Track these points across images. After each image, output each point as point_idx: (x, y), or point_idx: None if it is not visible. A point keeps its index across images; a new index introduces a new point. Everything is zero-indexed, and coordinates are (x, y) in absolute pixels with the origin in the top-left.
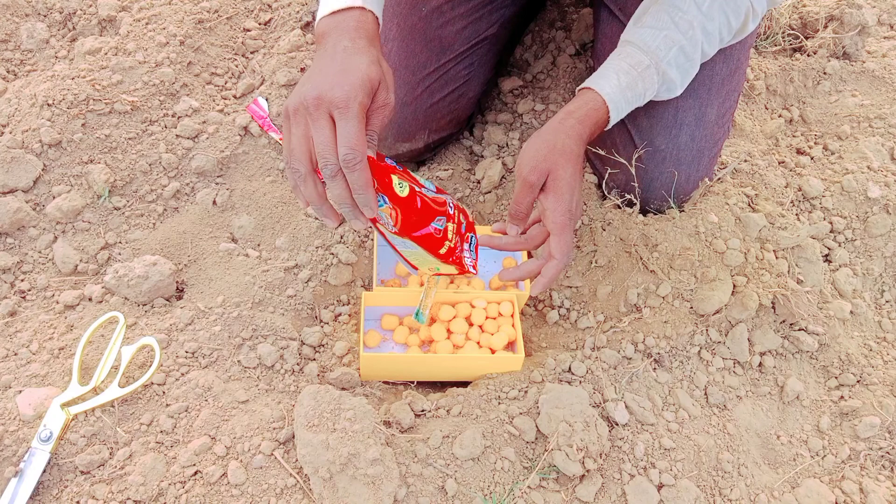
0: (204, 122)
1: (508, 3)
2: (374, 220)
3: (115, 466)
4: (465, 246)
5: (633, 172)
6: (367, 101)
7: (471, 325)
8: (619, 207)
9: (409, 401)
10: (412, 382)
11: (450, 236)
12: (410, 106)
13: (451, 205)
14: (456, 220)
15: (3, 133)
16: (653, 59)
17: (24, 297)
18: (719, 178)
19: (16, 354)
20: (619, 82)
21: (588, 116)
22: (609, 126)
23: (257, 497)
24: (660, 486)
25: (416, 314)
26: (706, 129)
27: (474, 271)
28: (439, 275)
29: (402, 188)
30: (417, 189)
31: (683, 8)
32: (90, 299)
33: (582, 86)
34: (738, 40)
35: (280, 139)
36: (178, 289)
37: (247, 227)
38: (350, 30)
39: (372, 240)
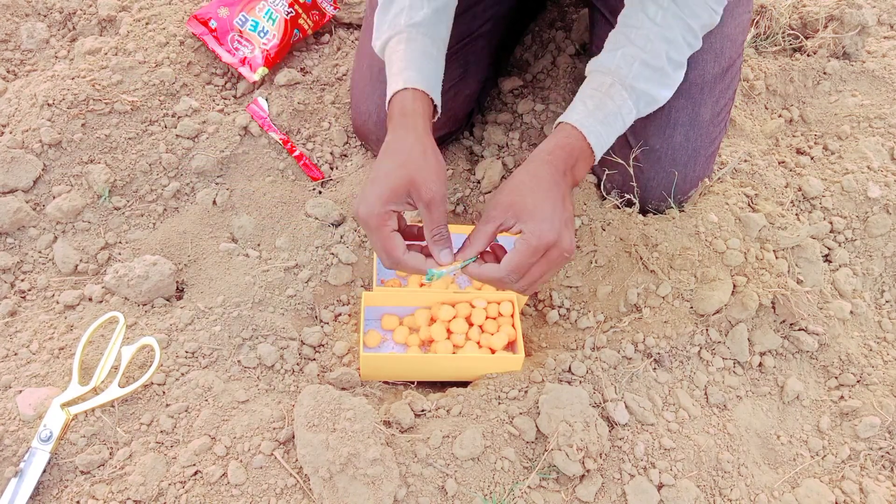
0: (204, 122)
1: (501, 0)
2: None
3: (115, 466)
4: None
5: (631, 173)
6: (393, 206)
7: (471, 325)
8: (619, 207)
9: (409, 401)
10: (412, 382)
11: None
12: None
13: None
14: None
15: (3, 133)
16: (615, 76)
17: (24, 297)
18: (719, 178)
19: (16, 354)
20: (586, 106)
21: (559, 146)
22: (597, 155)
23: (257, 497)
24: (660, 486)
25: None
26: (701, 128)
27: None
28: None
29: None
30: None
31: (636, 25)
32: (90, 299)
33: (556, 122)
34: (718, 30)
35: (280, 139)
36: (178, 289)
37: (247, 227)
38: (394, 119)
39: None
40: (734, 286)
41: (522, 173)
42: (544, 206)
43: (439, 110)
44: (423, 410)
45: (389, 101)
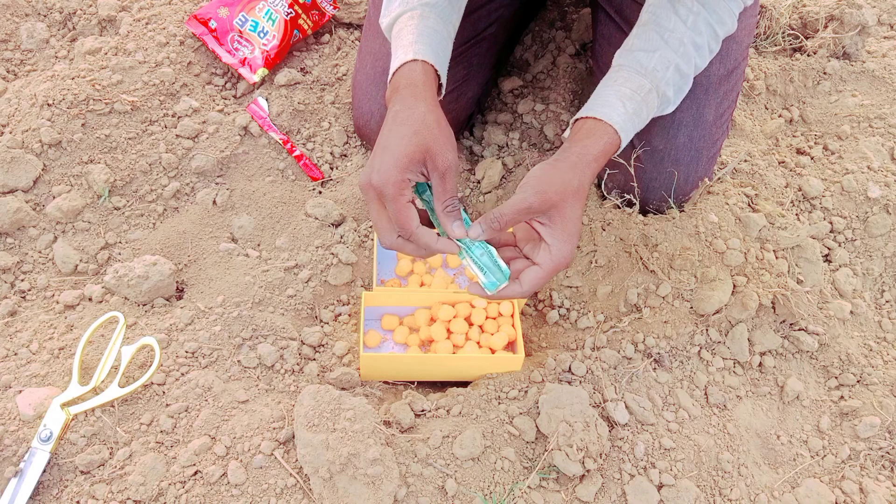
0: (204, 122)
1: (507, 3)
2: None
3: (115, 466)
4: None
5: (633, 173)
6: (409, 174)
7: (471, 325)
8: (619, 207)
9: (409, 401)
10: (412, 382)
11: None
12: None
13: None
14: None
15: (3, 133)
16: (653, 81)
17: (24, 297)
18: (719, 178)
19: (16, 354)
20: (626, 109)
21: (604, 154)
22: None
23: (257, 497)
24: (660, 486)
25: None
26: (704, 129)
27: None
28: None
29: None
30: None
31: (670, 27)
32: (90, 299)
33: (586, 114)
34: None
35: (280, 139)
36: (178, 289)
37: (247, 227)
38: (402, 89)
39: (372, 240)
40: (734, 286)
41: (570, 173)
42: (576, 224)
43: (443, 91)
44: (423, 410)
45: (394, 73)
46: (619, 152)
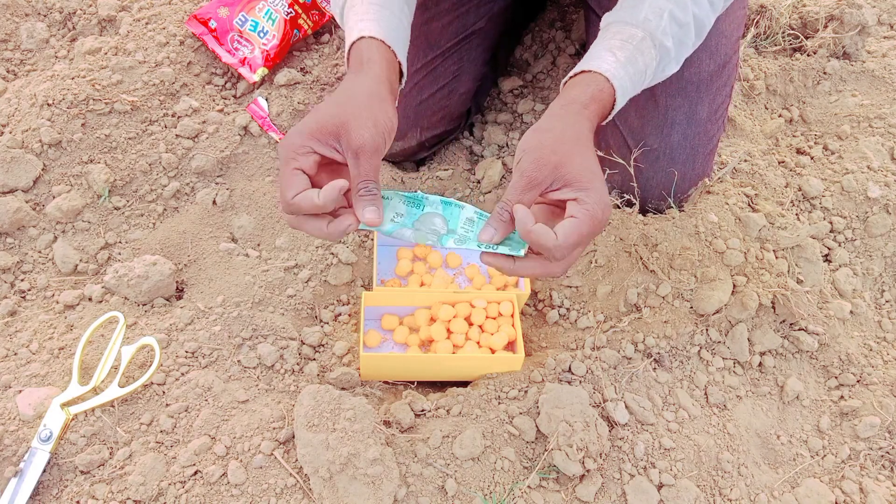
0: (204, 122)
1: None
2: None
3: (115, 466)
4: None
5: (631, 172)
6: (314, 143)
7: (471, 324)
8: (619, 207)
9: (409, 401)
10: (412, 382)
11: None
12: (399, 104)
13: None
14: None
15: (3, 133)
16: (645, 29)
17: (24, 297)
18: (719, 178)
19: (16, 354)
20: (616, 57)
21: (594, 99)
22: (613, 112)
23: (257, 497)
24: (660, 486)
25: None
26: (698, 126)
27: None
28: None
29: None
30: None
31: None
32: (90, 299)
33: (574, 72)
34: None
35: (280, 139)
36: (178, 289)
37: (247, 227)
38: (349, 71)
39: (372, 240)
40: (734, 286)
41: (561, 125)
42: (596, 172)
43: (405, 72)
44: (423, 410)
45: (347, 57)
46: (615, 111)
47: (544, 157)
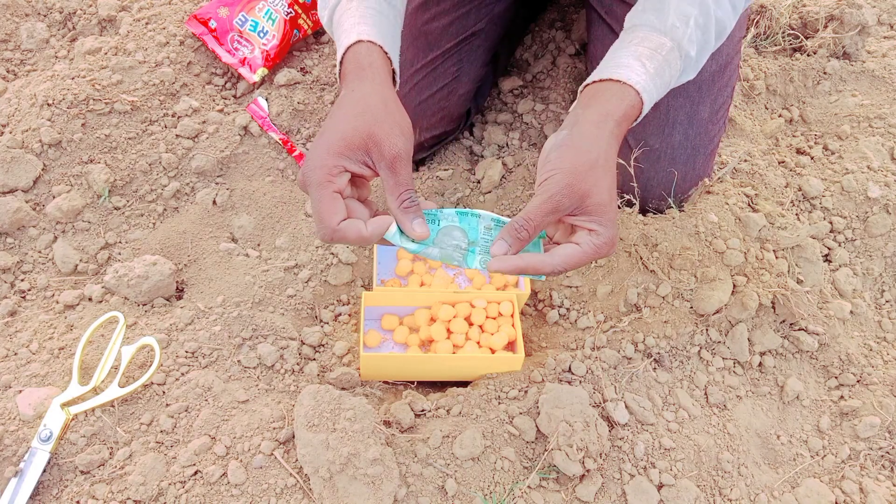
0: (204, 122)
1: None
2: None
3: (115, 466)
4: None
5: (632, 172)
6: (344, 161)
7: (471, 324)
8: (619, 207)
9: (409, 401)
10: (412, 382)
11: None
12: None
13: None
14: None
15: (3, 133)
16: (673, 38)
17: (24, 297)
18: (719, 178)
19: (16, 354)
20: (647, 69)
21: (626, 117)
22: (633, 124)
23: (257, 497)
24: (660, 486)
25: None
26: (699, 126)
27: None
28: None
29: None
30: None
31: None
32: (90, 299)
33: (601, 76)
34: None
35: (279, 139)
36: (178, 289)
37: (247, 227)
38: (348, 74)
39: None
40: (734, 286)
41: (596, 150)
42: (615, 201)
43: (398, 77)
44: (423, 410)
45: (341, 61)
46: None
47: (576, 185)
